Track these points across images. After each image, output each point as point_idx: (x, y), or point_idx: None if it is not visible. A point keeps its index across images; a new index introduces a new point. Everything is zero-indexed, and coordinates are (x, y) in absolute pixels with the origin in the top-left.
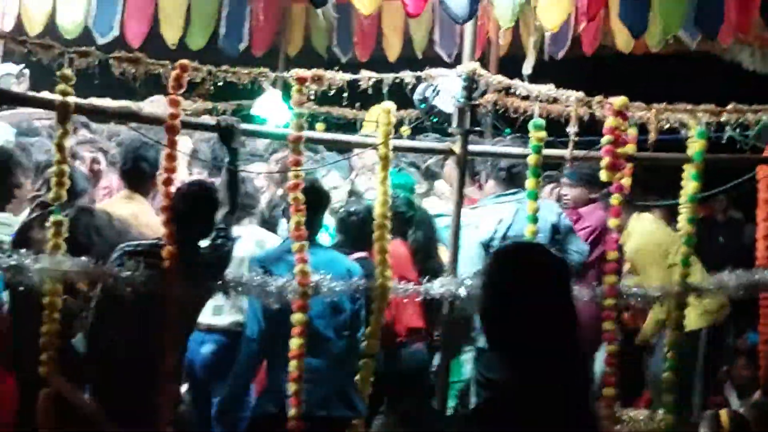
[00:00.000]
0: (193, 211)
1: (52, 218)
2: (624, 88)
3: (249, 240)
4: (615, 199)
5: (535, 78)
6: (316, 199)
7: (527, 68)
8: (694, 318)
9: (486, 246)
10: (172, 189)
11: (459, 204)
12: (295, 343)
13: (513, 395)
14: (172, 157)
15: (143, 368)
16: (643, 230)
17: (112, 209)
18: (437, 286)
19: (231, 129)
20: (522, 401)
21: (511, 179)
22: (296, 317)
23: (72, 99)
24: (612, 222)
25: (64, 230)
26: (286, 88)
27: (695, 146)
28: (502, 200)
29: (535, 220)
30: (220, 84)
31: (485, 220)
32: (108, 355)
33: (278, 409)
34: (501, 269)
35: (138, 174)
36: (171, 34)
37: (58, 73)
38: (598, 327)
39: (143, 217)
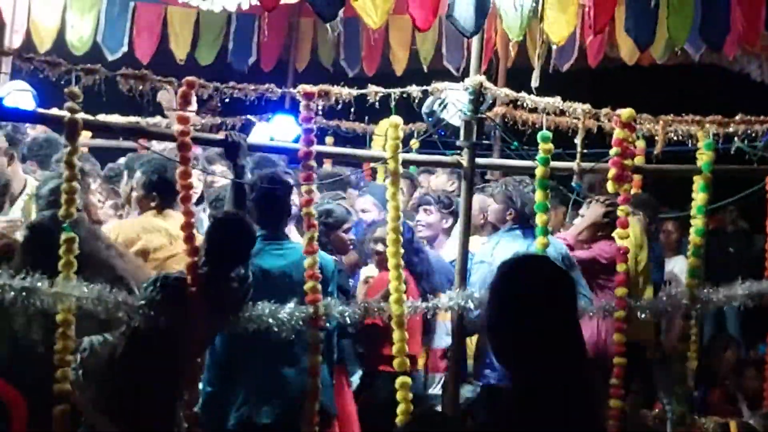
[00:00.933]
0: (231, 245)
1: (63, 236)
2: (631, 100)
3: None
4: (622, 211)
5: (542, 90)
6: (276, 191)
7: (535, 81)
8: None
9: None
10: (192, 206)
11: (467, 218)
12: (313, 360)
13: (519, 407)
14: (186, 174)
15: (160, 396)
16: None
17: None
18: (445, 301)
19: (239, 144)
20: (527, 413)
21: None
22: (311, 334)
23: (80, 116)
24: (619, 233)
25: (74, 247)
26: (294, 103)
27: (703, 158)
28: (513, 234)
29: (545, 232)
30: (227, 101)
31: (499, 254)
32: (135, 383)
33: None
34: (507, 281)
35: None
36: (180, 50)
37: (66, 90)
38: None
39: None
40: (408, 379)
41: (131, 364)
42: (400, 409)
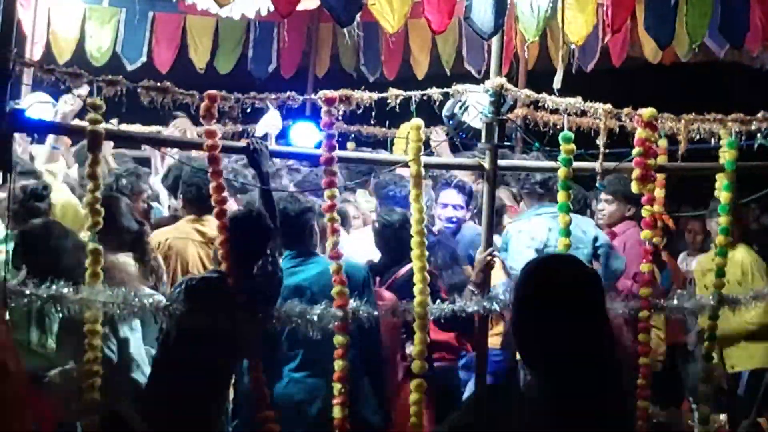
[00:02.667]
0: (247, 238)
1: (89, 247)
2: (653, 99)
3: None
4: (646, 211)
5: (565, 91)
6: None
7: (557, 82)
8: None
9: (539, 252)
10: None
11: (490, 218)
12: (339, 365)
13: (547, 409)
14: (220, 188)
15: (197, 398)
16: None
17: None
18: (471, 303)
19: (261, 151)
20: (556, 414)
21: (547, 192)
22: (338, 339)
23: (102, 126)
24: (645, 234)
25: (100, 258)
26: (315, 109)
27: (726, 156)
28: (543, 211)
29: (567, 233)
30: (248, 110)
31: (536, 228)
32: (171, 387)
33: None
34: (532, 282)
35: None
36: (199, 59)
37: (87, 101)
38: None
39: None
40: (423, 382)
41: (165, 369)
42: (413, 410)
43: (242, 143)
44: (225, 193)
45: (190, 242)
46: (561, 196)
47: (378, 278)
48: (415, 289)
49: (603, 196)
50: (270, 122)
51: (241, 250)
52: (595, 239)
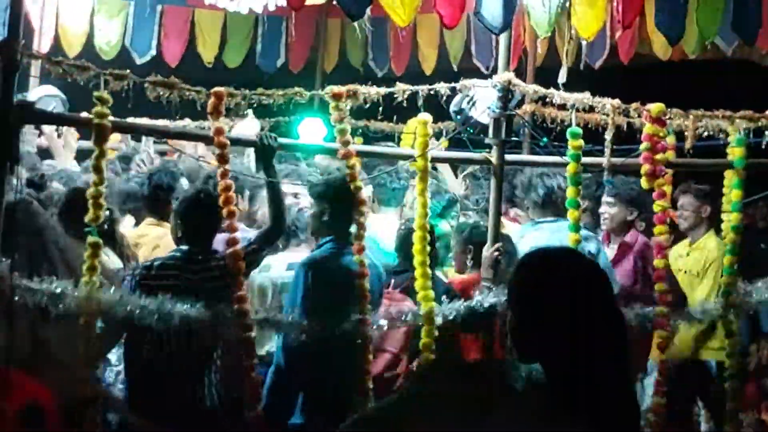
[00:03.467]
0: (197, 218)
1: (88, 239)
2: (663, 96)
3: (281, 264)
4: (657, 207)
5: (573, 88)
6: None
7: (562, 77)
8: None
9: None
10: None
11: (497, 213)
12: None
13: (556, 405)
14: (228, 188)
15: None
16: None
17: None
18: (486, 301)
19: (271, 146)
20: (566, 413)
21: (549, 204)
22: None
23: (109, 119)
24: (657, 230)
25: (99, 252)
26: (322, 105)
27: (736, 153)
28: (540, 227)
29: (577, 228)
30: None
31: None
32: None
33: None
34: (530, 276)
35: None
36: (208, 53)
37: (94, 94)
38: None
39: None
40: None
41: (149, 363)
42: None
43: (252, 137)
44: (232, 193)
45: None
46: (570, 191)
47: (393, 280)
48: (417, 284)
49: (605, 198)
50: (247, 126)
51: (192, 229)
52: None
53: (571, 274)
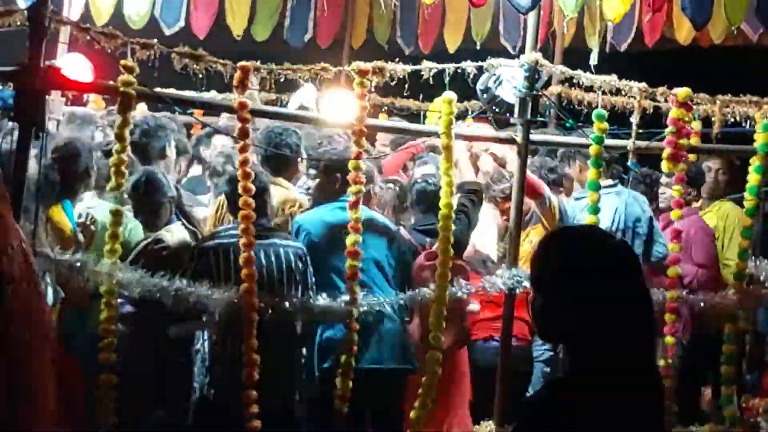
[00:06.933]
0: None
1: (110, 207)
2: (688, 82)
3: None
4: (676, 191)
5: (599, 71)
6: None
7: (594, 59)
8: None
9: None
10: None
11: (521, 192)
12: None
13: (577, 389)
14: (246, 162)
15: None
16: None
17: None
18: (500, 281)
19: None
20: (586, 395)
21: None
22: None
23: (135, 88)
24: (674, 214)
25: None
26: (349, 81)
27: (760, 139)
28: (604, 192)
29: (596, 210)
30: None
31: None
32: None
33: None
34: (556, 256)
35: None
36: (237, 26)
37: (121, 62)
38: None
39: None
40: (438, 354)
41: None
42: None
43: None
44: (248, 168)
45: None
46: (592, 173)
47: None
48: (438, 261)
49: (664, 179)
50: (305, 95)
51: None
52: (650, 219)
53: (599, 254)
